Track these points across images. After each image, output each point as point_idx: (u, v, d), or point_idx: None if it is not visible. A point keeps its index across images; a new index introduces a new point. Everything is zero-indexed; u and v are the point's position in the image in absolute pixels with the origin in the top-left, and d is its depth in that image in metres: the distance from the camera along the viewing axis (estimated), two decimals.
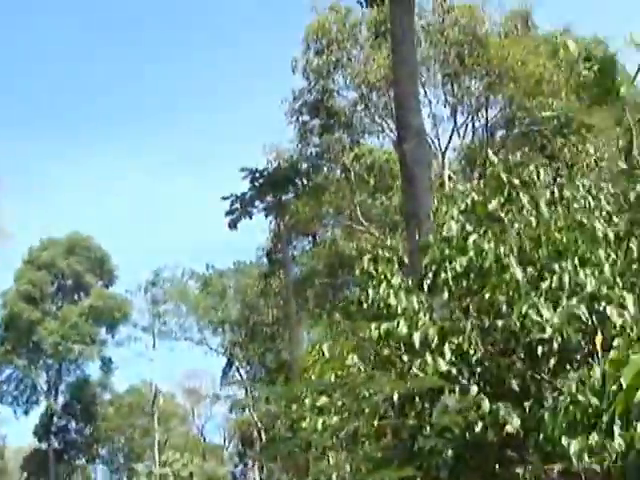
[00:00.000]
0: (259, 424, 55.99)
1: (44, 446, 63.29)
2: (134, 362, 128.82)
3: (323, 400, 9.97)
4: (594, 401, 6.78)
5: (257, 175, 32.94)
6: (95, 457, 68.12)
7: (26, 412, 63.91)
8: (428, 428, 9.00)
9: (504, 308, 8.53)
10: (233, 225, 31.92)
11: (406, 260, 12.01)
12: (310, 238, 40.33)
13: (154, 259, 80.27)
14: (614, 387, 4.12)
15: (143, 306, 62.54)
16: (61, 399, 64.42)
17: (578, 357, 8.42)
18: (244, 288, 51.38)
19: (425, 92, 34.34)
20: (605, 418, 6.36)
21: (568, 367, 8.23)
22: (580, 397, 6.85)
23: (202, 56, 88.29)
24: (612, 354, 5.92)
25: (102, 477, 70.54)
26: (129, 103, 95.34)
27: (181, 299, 60.46)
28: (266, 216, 34.39)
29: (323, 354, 10.69)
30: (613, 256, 8.74)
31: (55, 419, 63.31)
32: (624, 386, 3.98)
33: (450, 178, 35.36)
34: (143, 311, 62.47)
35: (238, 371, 54.67)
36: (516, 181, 9.77)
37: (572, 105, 31.23)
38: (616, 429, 6.41)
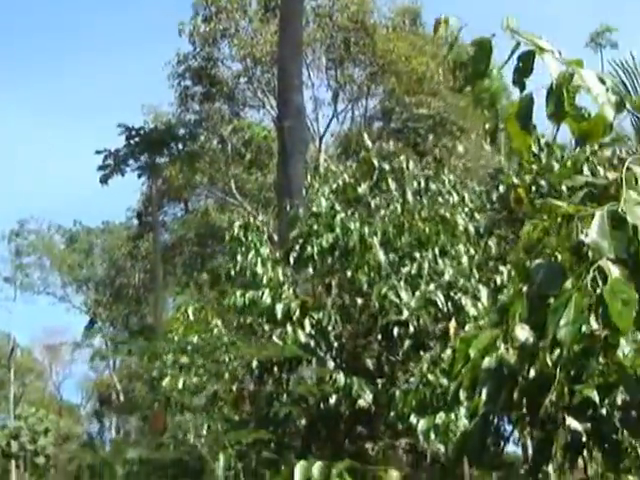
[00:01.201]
0: (118, 386, 55.27)
1: None
2: None
3: (185, 359, 9.95)
4: (444, 382, 6.97)
5: (133, 133, 32.19)
6: None
7: None
8: (284, 396, 9.10)
9: (365, 287, 8.69)
10: (104, 180, 31.14)
11: (275, 236, 12.09)
12: (182, 205, 39.79)
13: (19, 210, 77.07)
14: (463, 365, 4.21)
15: (5, 256, 60.23)
16: None
17: (432, 343, 8.66)
18: (112, 248, 50.32)
19: (309, 74, 34.41)
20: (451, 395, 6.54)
21: (422, 353, 8.45)
22: (431, 377, 7.03)
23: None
24: (463, 334, 6.10)
25: None
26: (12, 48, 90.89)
27: (46, 253, 58.56)
28: (139, 176, 33.70)
29: (188, 316, 10.64)
30: (472, 251, 9.03)
31: None
32: (472, 358, 4.08)
33: (325, 162, 35.61)
34: (5, 261, 60.14)
35: (100, 331, 53.55)
36: (386, 167, 9.94)
37: (449, 105, 32.05)
38: (462, 410, 6.60)
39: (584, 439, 3.92)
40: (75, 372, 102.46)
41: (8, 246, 59.56)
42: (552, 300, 3.46)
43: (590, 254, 3.37)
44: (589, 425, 3.89)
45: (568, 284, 3.42)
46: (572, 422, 3.90)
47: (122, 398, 54.16)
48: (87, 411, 76.82)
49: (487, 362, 4.01)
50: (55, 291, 58.64)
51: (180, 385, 9.81)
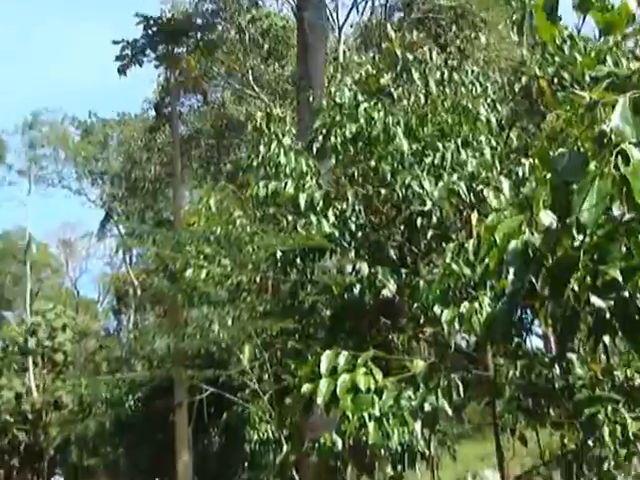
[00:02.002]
0: (135, 281, 56.23)
1: None
2: (7, 207, 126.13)
3: (208, 249, 10.24)
4: (467, 272, 7.19)
5: (151, 23, 31.92)
6: None
7: None
8: (309, 286, 9.42)
9: (388, 177, 8.87)
10: (122, 71, 31.07)
11: (293, 129, 12.19)
12: (199, 96, 39.64)
13: (33, 101, 77.15)
14: (488, 250, 4.44)
15: (19, 148, 60.54)
16: None
17: (454, 236, 8.88)
18: (128, 140, 50.38)
19: None
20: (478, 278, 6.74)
21: (444, 244, 8.67)
22: (454, 267, 7.24)
23: None
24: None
25: None
26: None
27: (60, 145, 58.76)
28: (156, 67, 33.59)
29: (210, 208, 10.87)
30: (494, 142, 9.15)
31: None
32: (497, 242, 4.31)
33: (345, 54, 35.20)
34: (19, 153, 60.48)
35: (116, 226, 54.13)
36: (410, 57, 10.00)
37: None
38: (486, 299, 6.84)
39: (608, 317, 4.14)
40: (91, 268, 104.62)
41: (22, 138, 59.91)
42: (575, 187, 3.65)
43: (613, 139, 3.53)
44: (612, 304, 4.10)
45: (591, 168, 3.60)
46: (596, 301, 4.13)
47: (139, 294, 55.21)
48: (104, 307, 78.67)
49: (513, 245, 4.24)
50: (70, 184, 59.12)
51: (204, 275, 10.12)
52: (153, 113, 41.09)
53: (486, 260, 4.63)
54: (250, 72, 36.41)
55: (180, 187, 28.72)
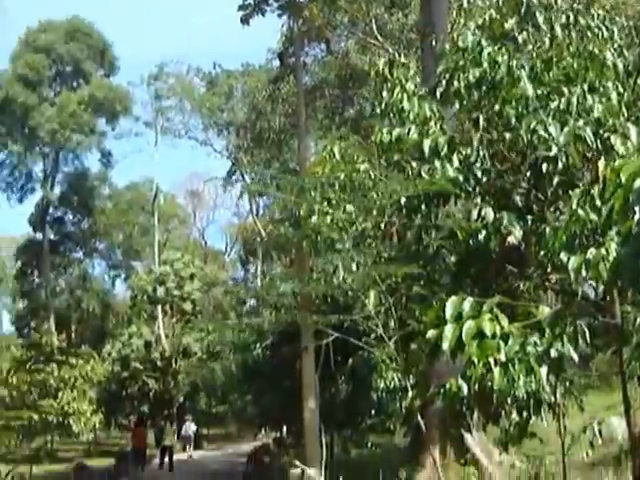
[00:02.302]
0: (262, 231, 57.46)
1: (39, 236, 64.86)
2: (135, 159, 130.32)
3: (333, 194, 10.55)
4: (594, 218, 7.24)
5: None
6: (93, 251, 70.02)
7: (20, 200, 65.00)
8: (433, 232, 9.64)
9: (513, 122, 8.95)
10: (245, 20, 31.57)
11: (418, 78, 12.26)
12: (322, 46, 39.81)
13: (157, 54, 79.10)
14: (614, 190, 4.58)
15: (146, 100, 62.45)
16: (58, 189, 65.43)
17: (580, 183, 8.90)
18: (252, 91, 51.16)
19: None
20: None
21: (570, 191, 8.69)
22: (581, 213, 7.29)
23: None
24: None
25: (100, 272, 72.95)
26: None
27: (185, 96, 60.23)
28: (279, 16, 33.92)
29: (334, 155, 11.18)
30: (621, 88, 9.07)
31: (51, 209, 64.41)
32: (623, 182, 4.44)
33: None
34: (145, 105, 62.40)
35: (242, 177, 55.29)
36: (534, 1, 9.99)
37: None
38: (613, 245, 6.88)
39: None
40: (218, 218, 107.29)
41: (148, 90, 61.79)
42: None
43: None
44: None
45: None
46: None
47: (266, 244, 56.36)
48: (232, 257, 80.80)
49: (638, 184, 4.36)
50: (196, 135, 60.64)
51: (328, 221, 10.48)
52: (277, 63, 41.57)
53: (612, 202, 4.73)
54: (374, 21, 36.28)
55: (305, 138, 29.16)
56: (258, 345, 24.24)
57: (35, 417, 24.78)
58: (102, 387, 40.52)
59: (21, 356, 27.92)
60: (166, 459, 31.34)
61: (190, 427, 39.33)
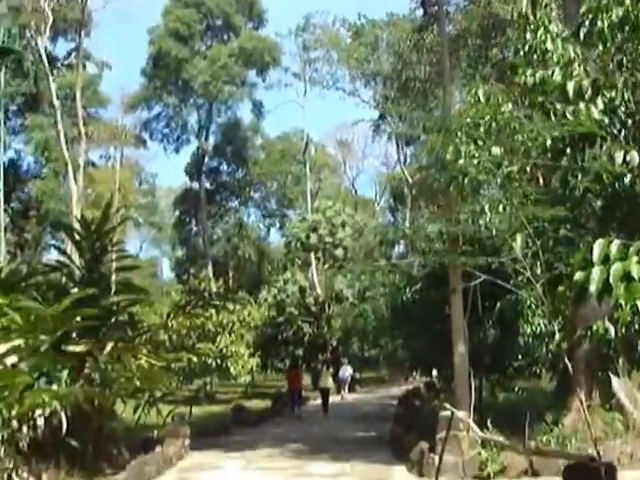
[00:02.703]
0: (409, 179, 57.36)
1: (195, 186, 67.10)
2: (285, 109, 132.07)
3: (479, 135, 10.38)
4: None
5: None
6: (247, 200, 71.79)
7: (177, 150, 67.34)
8: (579, 174, 9.36)
9: None
10: None
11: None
12: None
13: (304, 5, 79.11)
14: None
15: (294, 51, 63.03)
16: (212, 140, 67.30)
17: None
18: (397, 41, 50.68)
19: None
20: None
21: None
22: None
23: None
24: None
25: (254, 220, 74.82)
26: None
27: (332, 47, 60.37)
28: None
29: (478, 99, 11.00)
30: None
31: (206, 159, 66.39)
32: None
33: None
34: (294, 56, 63.01)
35: (390, 126, 55.14)
36: None
37: None
38: None
39: None
40: (368, 167, 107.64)
41: (295, 41, 62.28)
42: None
43: None
44: None
45: None
46: None
47: (413, 191, 56.22)
48: (381, 206, 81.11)
49: None
50: (344, 86, 60.76)
51: (475, 163, 10.34)
52: (420, 13, 41.03)
53: None
54: None
55: (449, 86, 28.70)
56: (408, 289, 24.30)
57: (194, 359, 25.83)
58: (258, 331, 41.66)
59: (180, 301, 29.10)
60: (318, 401, 32.11)
61: (347, 370, 40.20)
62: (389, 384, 50.11)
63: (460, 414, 13.35)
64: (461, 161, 11.09)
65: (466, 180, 11.47)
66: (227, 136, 66.62)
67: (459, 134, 11.36)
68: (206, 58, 61.36)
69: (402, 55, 46.79)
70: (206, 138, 66.02)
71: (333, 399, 33.34)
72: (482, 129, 11.02)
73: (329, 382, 33.33)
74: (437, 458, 13.37)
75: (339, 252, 52.74)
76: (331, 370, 35.20)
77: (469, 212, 13.23)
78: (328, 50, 61.16)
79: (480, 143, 10.99)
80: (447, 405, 13.55)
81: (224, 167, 68.85)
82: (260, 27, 66.44)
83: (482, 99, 11.35)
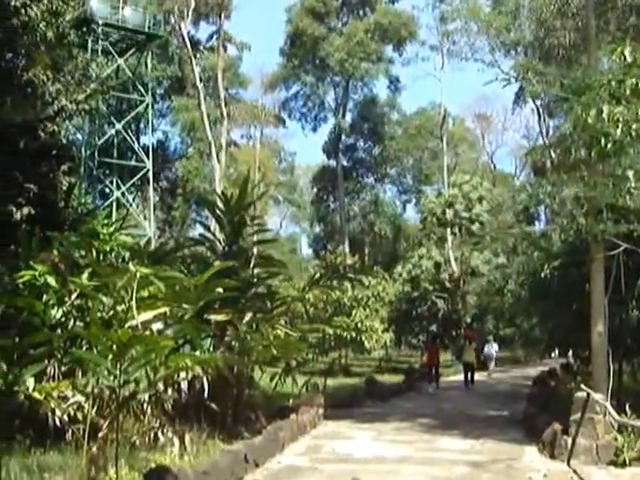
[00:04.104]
0: (552, 153, 56.02)
1: (333, 163, 67.87)
2: (422, 84, 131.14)
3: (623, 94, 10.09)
4: None
5: None
6: (383, 177, 72.08)
7: (314, 129, 68.30)
8: None
9: None
10: None
11: None
12: None
13: None
14: None
15: (431, 24, 62.44)
16: (349, 117, 67.78)
17: None
18: (539, 7, 49.42)
19: None
20: None
21: None
22: None
23: None
24: None
25: (390, 196, 75.04)
26: None
27: (471, 17, 59.40)
28: None
29: (624, 58, 10.74)
30: None
31: (343, 137, 66.98)
32: None
33: None
34: (431, 29, 62.39)
35: (532, 99, 53.96)
36: None
37: None
38: None
39: None
40: (507, 141, 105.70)
41: (432, 13, 61.65)
42: None
43: None
44: None
45: None
46: None
47: (555, 164, 54.91)
48: (521, 180, 79.60)
49: None
50: (483, 57, 59.75)
51: (618, 122, 10.07)
52: None
53: None
54: None
55: (595, 52, 27.95)
56: (546, 266, 23.92)
57: (329, 332, 26.39)
58: (393, 306, 41.97)
59: (315, 274, 29.71)
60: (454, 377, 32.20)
61: (493, 347, 40.52)
62: (524, 364, 49.55)
63: (597, 396, 13.18)
64: (604, 123, 10.85)
65: (609, 140, 11.17)
66: (364, 113, 66.97)
67: (602, 93, 11.10)
68: (342, 35, 61.77)
69: (545, 22, 45.64)
70: (343, 115, 66.57)
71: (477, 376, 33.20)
72: (627, 90, 10.75)
73: (472, 357, 33.30)
74: (570, 441, 13.27)
75: (476, 227, 52.23)
76: (474, 345, 35.14)
77: (610, 176, 12.81)
78: (466, 21, 60.14)
79: (625, 103, 10.73)
80: (583, 387, 13.43)
81: (361, 144, 69.27)
82: (396, 1, 66.30)
83: (628, 57, 11.08)
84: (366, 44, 60.57)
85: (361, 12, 65.32)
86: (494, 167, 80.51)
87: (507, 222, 58.90)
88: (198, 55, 60.44)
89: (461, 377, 33.49)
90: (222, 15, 58.92)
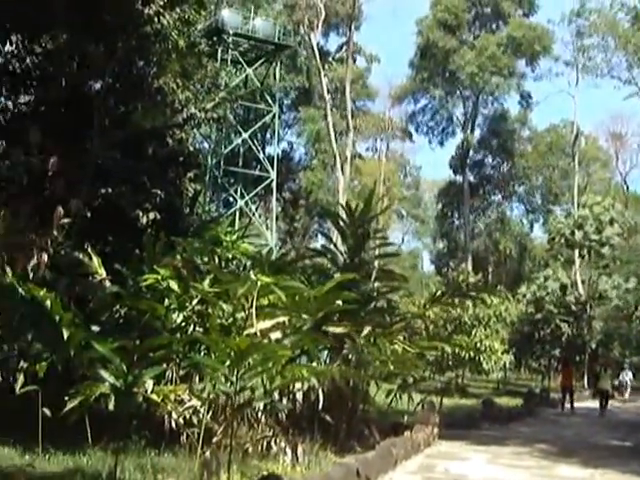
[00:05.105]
0: None
1: (459, 179, 67.31)
2: (554, 99, 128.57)
3: None
4: None
5: None
6: (511, 194, 70.98)
7: (441, 143, 68.07)
8: None
9: None
10: None
11: None
12: None
13: None
14: None
15: (566, 39, 61.19)
16: (477, 133, 67.17)
17: None
18: None
19: None
20: None
21: None
22: None
23: None
24: None
25: (517, 215, 73.81)
26: None
27: (609, 33, 57.92)
28: None
29: None
30: None
31: (471, 153, 66.37)
32: None
33: None
34: (566, 44, 61.18)
35: None
36: None
37: None
38: None
39: None
40: None
41: (568, 28, 60.43)
42: None
43: None
44: None
45: None
46: None
47: None
48: None
49: None
50: (620, 74, 58.21)
51: None
52: None
53: None
54: None
55: None
56: None
57: (448, 350, 26.08)
58: (514, 328, 41.22)
59: (437, 292, 29.45)
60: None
61: (627, 374, 40.29)
62: None
63: None
64: None
65: None
66: (493, 128, 66.22)
67: None
68: (474, 48, 61.26)
69: None
70: (471, 130, 66.01)
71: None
72: None
73: (608, 384, 32.46)
74: None
75: (606, 250, 50.68)
76: (609, 372, 34.15)
77: None
78: (604, 36, 58.75)
79: None
80: None
81: (489, 160, 68.53)
82: (530, 14, 65.31)
83: None
84: (498, 58, 59.91)
85: (494, 25, 64.73)
86: (627, 188, 78.04)
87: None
88: (326, 66, 61.06)
89: (586, 404, 32.62)
90: (352, 26, 59.33)
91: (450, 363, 32.12)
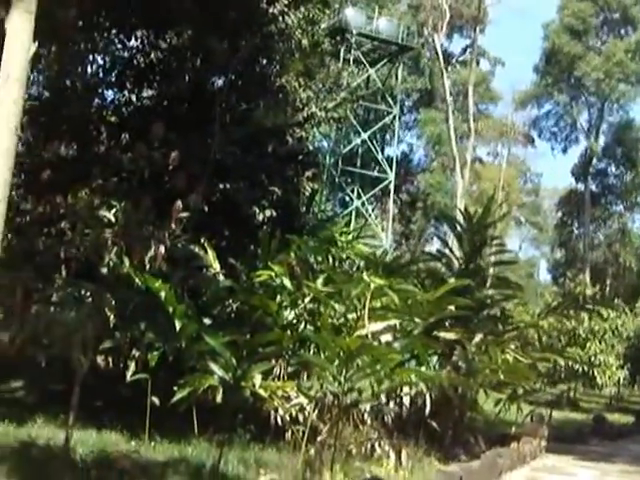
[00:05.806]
0: None
1: (580, 188, 65.62)
2: None
3: None
4: None
5: None
6: (633, 205, 68.79)
7: (564, 150, 66.35)
8: None
9: None
10: None
11: None
12: None
13: None
14: None
15: None
16: (602, 141, 65.28)
17: None
18: None
19: None
20: None
21: None
22: None
23: None
24: None
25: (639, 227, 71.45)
26: None
27: None
28: None
29: None
30: None
31: (594, 161, 64.61)
32: None
33: None
34: None
35: None
36: None
37: None
38: None
39: None
40: None
41: None
42: None
43: None
44: None
45: None
46: None
47: None
48: None
49: None
50: None
51: None
52: None
53: None
54: None
55: None
56: None
57: (561, 362, 25.40)
58: (630, 343, 39.86)
59: (552, 302, 28.73)
60: None
61: None
62: None
63: None
64: None
65: None
66: (618, 137, 64.20)
67: None
68: (600, 54, 59.62)
69: None
70: (596, 138, 64.23)
71: None
72: None
73: None
74: None
75: None
76: None
77: None
78: None
79: None
80: None
81: (612, 169, 66.48)
82: None
83: None
84: (625, 64, 58.11)
85: (622, 31, 62.79)
86: None
87: None
88: (449, 68, 60.53)
89: None
90: (477, 29, 58.62)
91: (562, 376, 31.27)
